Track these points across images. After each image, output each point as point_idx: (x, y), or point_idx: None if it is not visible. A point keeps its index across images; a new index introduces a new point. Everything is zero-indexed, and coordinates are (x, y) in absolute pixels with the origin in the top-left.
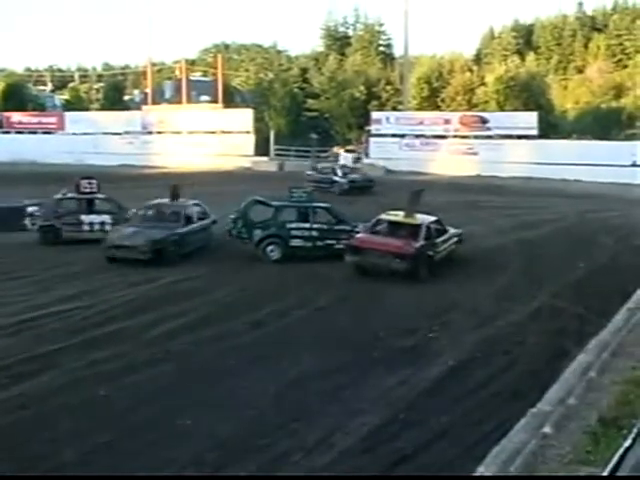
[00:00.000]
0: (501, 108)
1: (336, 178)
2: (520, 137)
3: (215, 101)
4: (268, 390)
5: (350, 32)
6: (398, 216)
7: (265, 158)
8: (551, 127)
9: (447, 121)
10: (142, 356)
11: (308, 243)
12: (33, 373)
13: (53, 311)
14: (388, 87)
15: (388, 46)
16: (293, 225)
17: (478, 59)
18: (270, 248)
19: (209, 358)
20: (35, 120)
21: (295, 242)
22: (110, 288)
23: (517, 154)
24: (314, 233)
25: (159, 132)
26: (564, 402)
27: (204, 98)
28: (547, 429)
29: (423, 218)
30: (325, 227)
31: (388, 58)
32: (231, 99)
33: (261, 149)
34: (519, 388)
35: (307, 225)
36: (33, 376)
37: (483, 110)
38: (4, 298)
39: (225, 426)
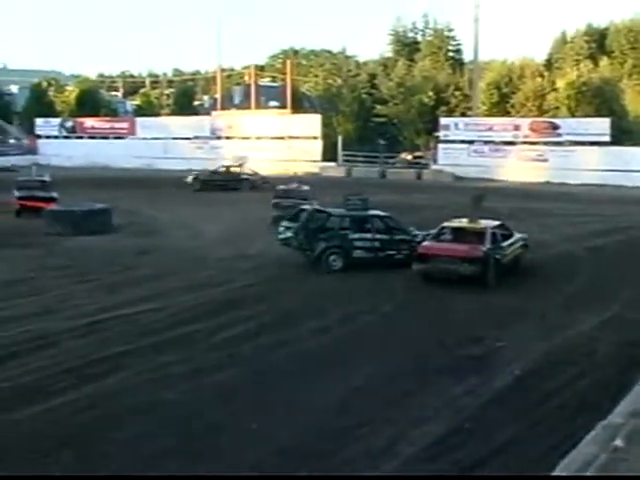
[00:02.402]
0: (572, 114)
1: (245, 176)
2: (592, 143)
3: (284, 106)
4: (333, 396)
5: (419, 37)
6: (462, 222)
7: (333, 164)
8: (625, 133)
9: (517, 127)
10: (209, 360)
11: (370, 254)
12: (102, 374)
13: (122, 313)
14: (457, 93)
15: (457, 51)
16: (355, 236)
17: (549, 64)
18: (332, 258)
19: (275, 363)
20: (107, 125)
21: (357, 253)
22: (178, 291)
23: (589, 161)
24: (376, 244)
25: (228, 137)
26: (636, 415)
27: (273, 103)
28: (618, 442)
29: (487, 223)
30: (386, 237)
31: (457, 63)
32: (299, 104)
33: (329, 155)
34: (588, 400)
35: (369, 236)
36: (102, 377)
37: (554, 116)
38: (74, 300)
39: (289, 431)
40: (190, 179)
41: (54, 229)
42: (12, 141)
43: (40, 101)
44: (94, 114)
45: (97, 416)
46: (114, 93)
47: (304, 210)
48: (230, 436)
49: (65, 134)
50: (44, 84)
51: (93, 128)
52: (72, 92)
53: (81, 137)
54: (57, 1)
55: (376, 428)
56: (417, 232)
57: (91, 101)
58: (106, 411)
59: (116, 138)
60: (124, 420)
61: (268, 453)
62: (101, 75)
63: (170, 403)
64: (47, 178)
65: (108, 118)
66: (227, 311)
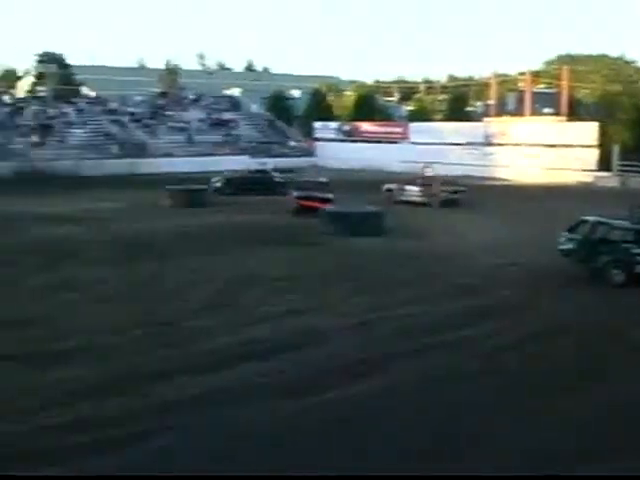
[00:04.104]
0: None
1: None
2: None
3: (558, 114)
4: (595, 414)
5: None
6: None
7: (607, 173)
8: None
9: None
10: (471, 367)
11: None
12: (366, 374)
13: (389, 315)
14: None
15: None
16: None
17: None
18: (614, 272)
19: (539, 375)
20: (382, 129)
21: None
22: (445, 296)
23: None
24: None
25: (500, 144)
26: None
27: (547, 110)
28: None
29: None
30: None
31: None
32: (575, 112)
33: (604, 164)
34: None
35: None
36: (366, 377)
37: None
38: (342, 299)
39: (548, 444)
40: (219, 183)
41: (329, 229)
42: (292, 143)
43: (319, 105)
44: (369, 118)
45: (351, 415)
46: (389, 98)
47: (585, 221)
48: (483, 447)
49: (342, 137)
50: (323, 89)
51: (368, 132)
52: (350, 97)
53: (356, 141)
54: (335, 11)
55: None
56: None
57: (367, 106)
58: (362, 411)
59: (390, 142)
60: (381, 421)
61: (514, 466)
62: (377, 81)
63: (430, 407)
64: (325, 179)
65: (383, 123)
66: (492, 319)
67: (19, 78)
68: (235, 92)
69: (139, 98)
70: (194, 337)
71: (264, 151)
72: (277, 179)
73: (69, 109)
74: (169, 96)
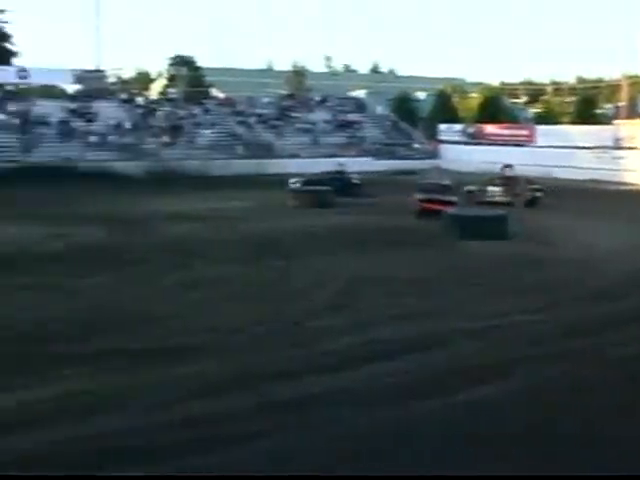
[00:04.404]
0: None
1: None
2: None
3: None
4: None
5: None
6: None
7: None
8: None
9: None
10: (599, 374)
11: None
12: (487, 380)
13: (510, 321)
14: None
15: None
16: None
17: None
18: None
19: None
20: (507, 132)
21: None
22: (576, 301)
23: None
24: None
25: (631, 147)
26: None
27: None
28: None
29: None
30: None
31: None
32: None
33: None
34: None
35: None
36: (486, 383)
37: None
38: (462, 303)
39: None
40: (297, 184)
41: (452, 232)
42: (416, 145)
43: (444, 107)
44: (495, 121)
45: (482, 417)
46: (515, 100)
47: None
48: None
49: (466, 140)
50: (448, 90)
51: (493, 135)
52: (475, 99)
53: (481, 143)
54: (461, 13)
55: None
56: None
57: (492, 108)
58: (490, 413)
59: (515, 145)
60: (507, 424)
61: None
62: (503, 83)
63: (557, 412)
64: (448, 182)
65: (508, 125)
66: (622, 327)
67: (152, 80)
68: (360, 94)
69: (266, 99)
70: (318, 337)
71: (388, 153)
72: (354, 180)
73: (198, 110)
74: (296, 98)
